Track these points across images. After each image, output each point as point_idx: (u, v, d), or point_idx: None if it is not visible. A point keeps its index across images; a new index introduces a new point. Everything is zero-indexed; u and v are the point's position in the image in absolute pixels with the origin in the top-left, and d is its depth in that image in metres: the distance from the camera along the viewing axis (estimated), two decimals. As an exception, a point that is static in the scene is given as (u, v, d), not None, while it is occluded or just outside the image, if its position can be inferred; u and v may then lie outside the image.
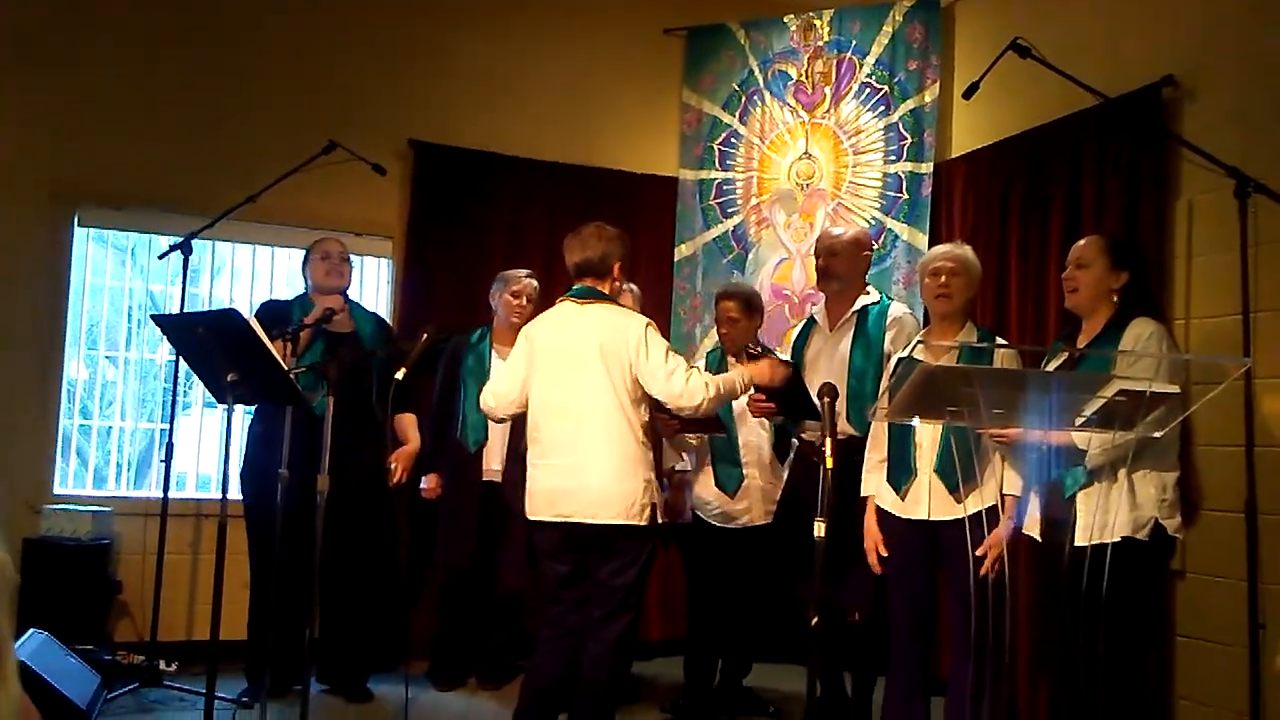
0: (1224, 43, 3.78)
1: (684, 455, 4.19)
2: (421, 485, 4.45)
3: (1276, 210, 3.17)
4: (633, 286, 4.33)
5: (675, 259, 5.52)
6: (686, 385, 3.20)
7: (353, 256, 4.47)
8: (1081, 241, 3.24)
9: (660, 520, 3.31)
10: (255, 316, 3.79)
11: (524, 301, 4.39)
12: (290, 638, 3.84)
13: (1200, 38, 3.87)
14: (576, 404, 3.23)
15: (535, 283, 4.47)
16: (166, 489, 4.26)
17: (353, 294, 4.44)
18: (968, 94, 3.55)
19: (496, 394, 3.46)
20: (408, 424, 4.37)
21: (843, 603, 3.68)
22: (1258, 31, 3.67)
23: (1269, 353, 3.38)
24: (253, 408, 4.27)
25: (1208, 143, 3.38)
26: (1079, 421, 2.63)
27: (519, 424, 4.05)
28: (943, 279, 3.37)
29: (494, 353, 4.39)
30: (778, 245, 5.40)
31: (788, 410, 3.72)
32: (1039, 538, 3.12)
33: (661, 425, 3.93)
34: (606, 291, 3.35)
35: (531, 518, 3.31)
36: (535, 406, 3.33)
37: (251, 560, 4.15)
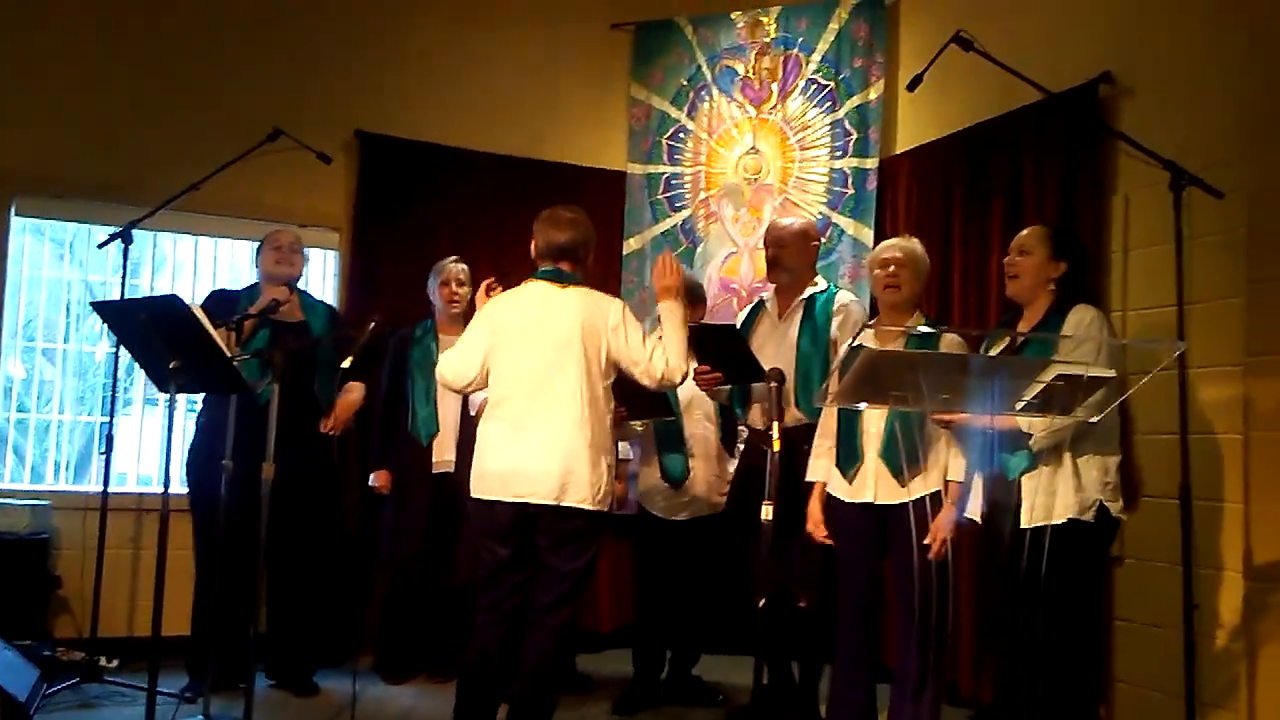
0: (1160, 40, 3.88)
1: (629, 446, 4.20)
2: (371, 482, 4.41)
3: (1211, 204, 3.26)
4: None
5: (624, 253, 5.54)
6: (667, 365, 3.20)
7: (301, 248, 4.43)
8: (1024, 230, 3.32)
9: (613, 510, 3.30)
10: (203, 306, 3.76)
11: (455, 288, 4.40)
12: (235, 631, 3.79)
13: (1137, 35, 3.96)
14: (551, 384, 3.17)
15: (462, 265, 4.46)
16: (106, 482, 4.18)
17: (299, 286, 4.39)
18: (911, 85, 3.60)
19: (455, 369, 3.35)
20: (351, 391, 4.24)
21: (790, 588, 3.71)
22: (1192, 29, 3.76)
23: (1203, 343, 3.46)
24: (197, 402, 4.22)
25: (1144, 137, 3.45)
26: (1019, 406, 2.68)
27: (470, 415, 4.05)
28: (891, 269, 3.41)
29: (439, 344, 4.37)
30: (726, 239, 5.43)
31: (733, 376, 3.71)
32: (980, 521, 3.17)
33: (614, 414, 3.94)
34: (579, 275, 3.33)
35: (480, 497, 3.21)
36: (503, 383, 3.25)
37: (197, 553, 4.09)
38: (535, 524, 3.16)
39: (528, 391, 3.20)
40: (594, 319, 3.21)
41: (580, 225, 3.32)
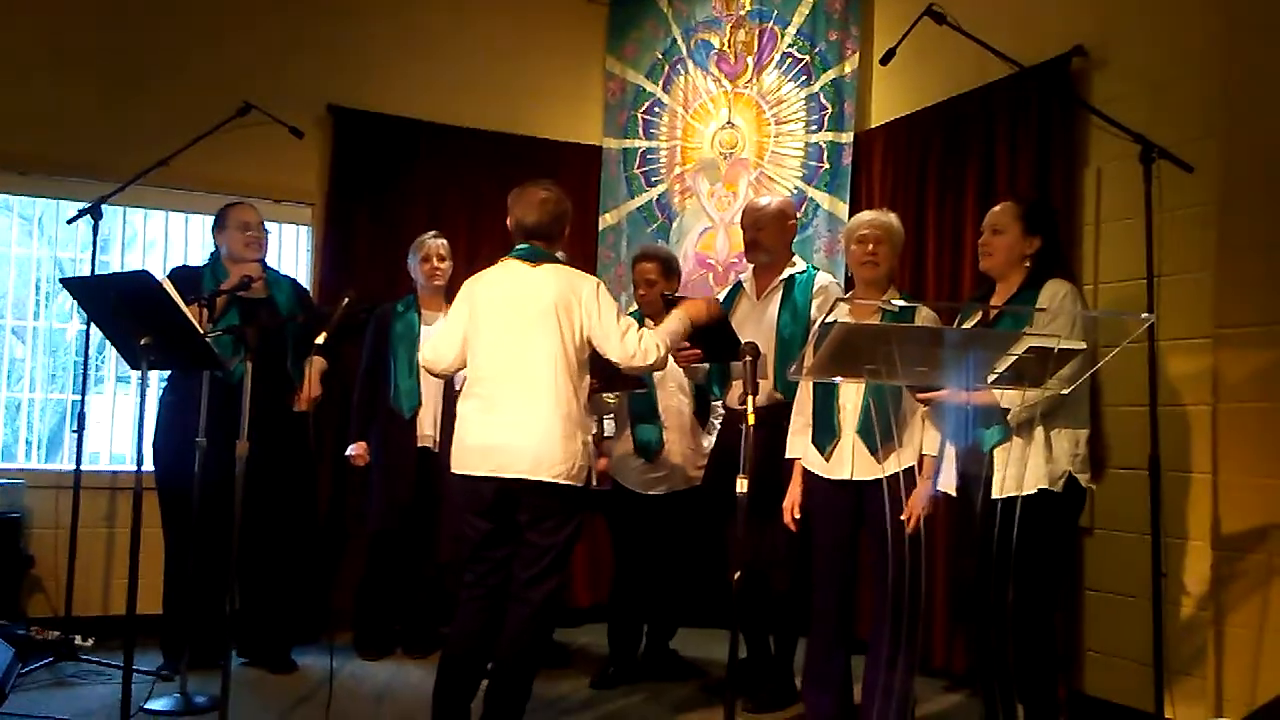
0: (1132, 14, 3.89)
1: (605, 421, 4.20)
2: (348, 452, 4.40)
3: (1181, 178, 3.28)
4: (559, 254, 4.32)
5: (600, 228, 5.53)
6: (640, 345, 3.20)
7: (271, 224, 4.39)
8: (997, 208, 3.31)
9: (594, 486, 3.30)
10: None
11: (436, 263, 4.39)
12: (209, 609, 3.78)
13: (1110, 9, 3.97)
14: (527, 360, 3.18)
15: (442, 240, 4.45)
16: (79, 461, 4.16)
17: (271, 261, 4.36)
18: (885, 59, 3.60)
19: (437, 350, 3.38)
20: (313, 365, 4.20)
21: (766, 564, 3.74)
22: (1165, 3, 3.77)
23: (1172, 315, 3.50)
24: (165, 379, 4.18)
25: (1115, 111, 3.48)
26: (991, 379, 2.70)
27: (453, 389, 4.05)
28: (870, 247, 3.42)
29: (421, 318, 4.38)
30: (701, 214, 5.43)
31: (713, 354, 3.71)
32: (954, 493, 3.20)
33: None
34: (554, 252, 3.33)
35: (461, 472, 3.23)
36: (480, 361, 3.27)
37: (166, 532, 4.07)
38: (515, 499, 3.17)
39: (503, 369, 3.21)
40: (568, 296, 3.21)
41: (550, 204, 3.31)
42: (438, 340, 3.41)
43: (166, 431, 4.02)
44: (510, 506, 3.19)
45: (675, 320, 3.36)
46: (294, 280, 4.48)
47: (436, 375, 3.58)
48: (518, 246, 3.32)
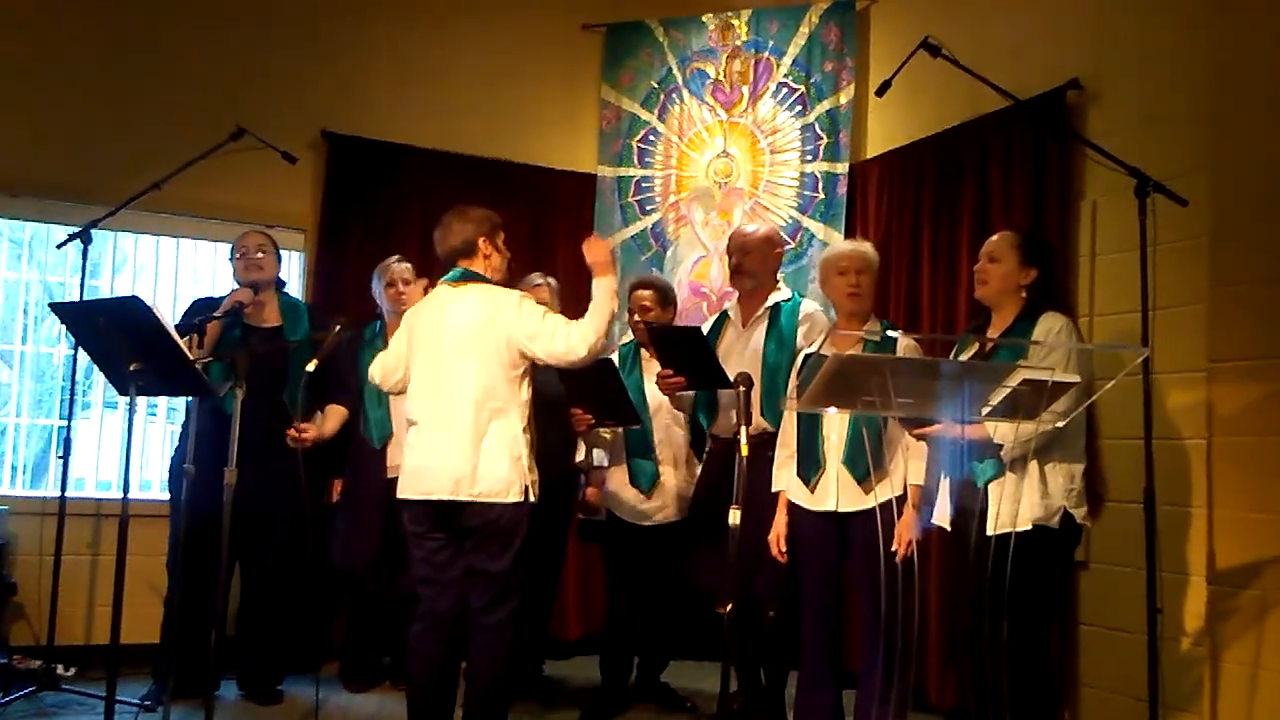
0: (1125, 47, 3.91)
1: (595, 451, 4.18)
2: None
3: (1175, 211, 3.28)
4: (551, 280, 4.32)
5: (594, 256, 5.51)
6: (569, 339, 3.18)
7: (264, 248, 4.36)
8: (995, 236, 3.33)
9: (532, 500, 3.22)
10: (186, 313, 3.70)
11: (400, 287, 4.33)
12: (199, 639, 3.72)
13: (1104, 43, 3.99)
14: (451, 383, 3.21)
15: (406, 265, 4.39)
16: (64, 487, 4.10)
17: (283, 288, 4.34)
18: (880, 91, 3.60)
19: (385, 368, 3.47)
20: (332, 415, 4.21)
21: (755, 596, 3.70)
22: (1159, 38, 3.80)
23: (1166, 348, 3.49)
24: (159, 405, 4.14)
25: (1110, 144, 3.48)
26: (985, 411, 2.68)
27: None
28: (853, 278, 3.45)
29: (388, 346, 4.34)
30: (695, 243, 5.42)
31: (696, 381, 3.69)
32: (948, 528, 3.18)
33: (576, 420, 3.92)
34: (482, 269, 3.34)
35: (400, 496, 3.27)
36: (414, 387, 3.33)
37: (173, 561, 4.00)
38: (449, 521, 3.19)
39: (430, 391, 3.26)
40: (490, 313, 3.24)
41: (462, 222, 3.34)
42: (383, 363, 3.48)
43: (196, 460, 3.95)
44: (449, 529, 3.20)
45: (600, 289, 3.28)
46: (310, 306, 4.45)
47: (387, 391, 3.63)
48: (448, 273, 3.36)
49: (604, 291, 3.28)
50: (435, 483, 3.17)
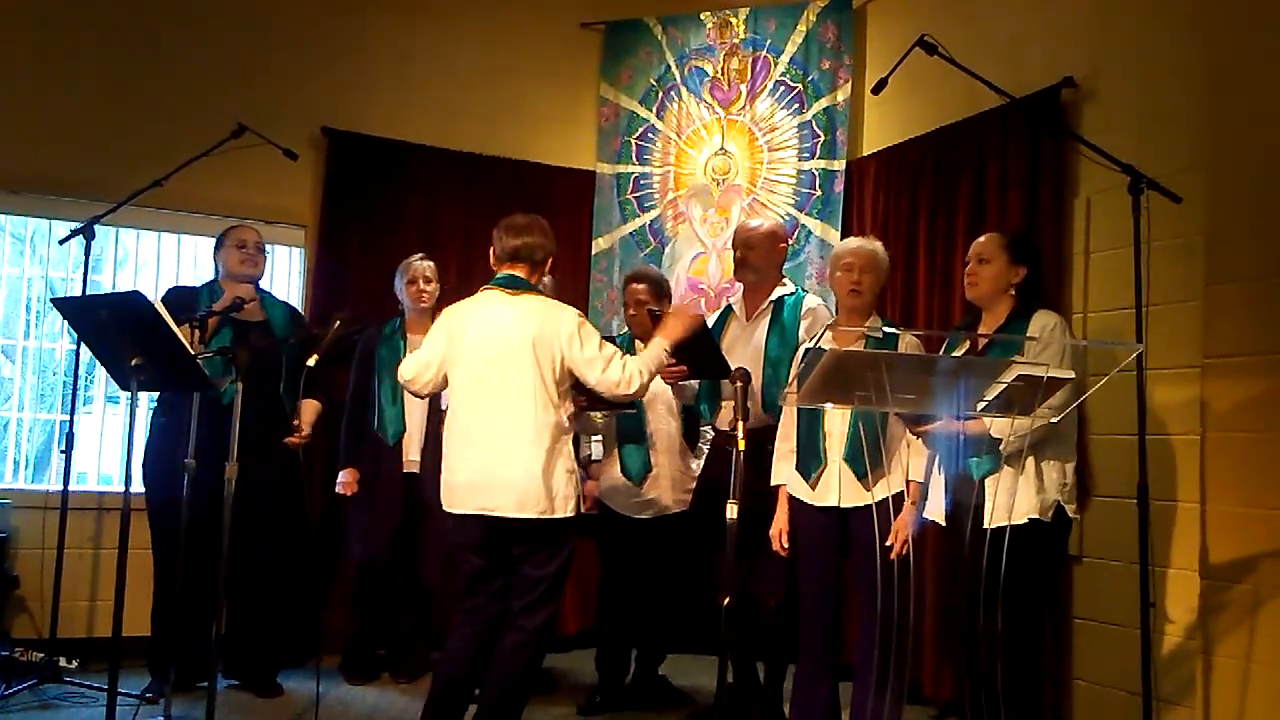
0: (1120, 46, 3.94)
1: (594, 443, 4.20)
2: (339, 480, 4.38)
3: (1170, 208, 3.30)
4: (547, 278, 4.33)
5: (592, 252, 5.54)
6: (623, 374, 3.18)
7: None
8: (982, 238, 3.36)
9: (582, 510, 3.29)
10: (162, 301, 3.71)
11: (422, 285, 4.38)
12: (197, 632, 3.76)
13: (1099, 41, 4.01)
14: (502, 396, 3.17)
15: (429, 263, 4.44)
16: (66, 481, 4.12)
17: (263, 283, 4.36)
18: (877, 89, 3.62)
19: (415, 371, 3.36)
20: (308, 409, 4.22)
21: (755, 590, 3.73)
22: (1154, 36, 3.82)
23: (1160, 345, 3.52)
24: (155, 400, 4.17)
25: (1104, 142, 3.50)
26: (981, 406, 2.71)
27: (437, 414, 4.04)
28: (854, 275, 3.45)
29: (407, 343, 4.35)
30: (694, 240, 5.45)
31: (697, 370, 3.70)
32: (943, 522, 3.21)
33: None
34: (536, 283, 3.32)
35: (450, 510, 3.24)
36: (457, 397, 3.27)
37: (156, 554, 4.04)
38: (505, 534, 3.17)
39: (481, 403, 3.20)
40: (545, 328, 3.20)
41: (535, 230, 3.31)
42: (416, 363, 3.38)
43: (157, 453, 4.01)
44: (501, 540, 3.19)
45: (656, 345, 3.34)
46: (289, 305, 4.48)
47: (414, 394, 3.51)
48: (497, 276, 3.32)
49: (660, 347, 3.32)
50: (495, 499, 3.13)
